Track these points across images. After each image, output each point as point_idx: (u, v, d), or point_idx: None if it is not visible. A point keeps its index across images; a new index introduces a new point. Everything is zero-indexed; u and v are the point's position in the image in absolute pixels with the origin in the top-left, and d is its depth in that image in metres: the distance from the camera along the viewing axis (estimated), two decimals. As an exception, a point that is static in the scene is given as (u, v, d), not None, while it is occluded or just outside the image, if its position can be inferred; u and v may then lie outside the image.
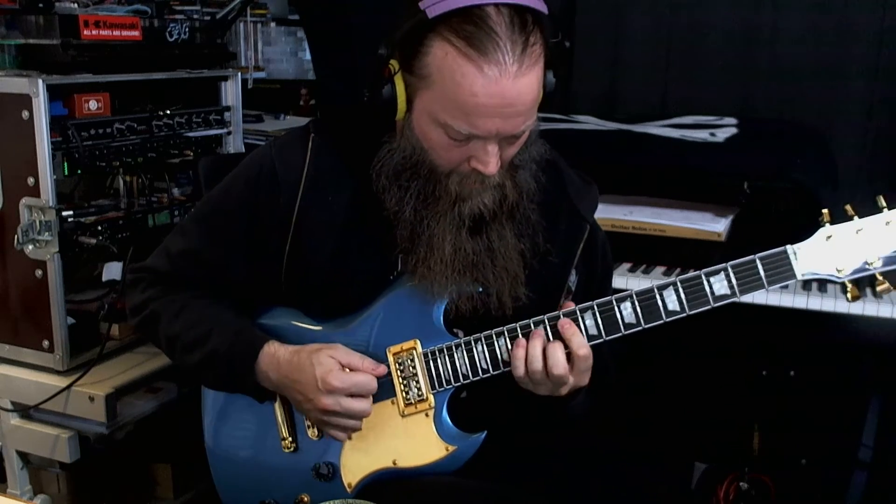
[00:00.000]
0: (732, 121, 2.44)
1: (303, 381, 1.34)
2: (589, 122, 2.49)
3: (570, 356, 1.29)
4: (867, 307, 1.82)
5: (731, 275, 1.27)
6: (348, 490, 1.40)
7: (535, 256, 1.40)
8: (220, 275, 1.46)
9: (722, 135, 2.34)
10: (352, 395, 1.33)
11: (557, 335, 1.30)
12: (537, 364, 1.29)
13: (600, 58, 2.71)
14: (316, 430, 1.42)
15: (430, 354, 1.37)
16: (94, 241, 1.96)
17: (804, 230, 1.98)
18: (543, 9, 1.24)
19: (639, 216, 2.22)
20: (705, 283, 1.27)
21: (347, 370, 1.33)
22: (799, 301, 1.87)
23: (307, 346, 1.37)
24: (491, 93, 1.19)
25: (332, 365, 1.33)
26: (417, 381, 1.37)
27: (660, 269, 2.14)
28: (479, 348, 1.34)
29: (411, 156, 1.32)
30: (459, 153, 1.28)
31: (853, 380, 2.25)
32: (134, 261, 1.92)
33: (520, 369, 1.30)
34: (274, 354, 1.37)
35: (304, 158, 1.41)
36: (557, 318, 1.31)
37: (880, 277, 1.26)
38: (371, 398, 1.35)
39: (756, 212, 2.21)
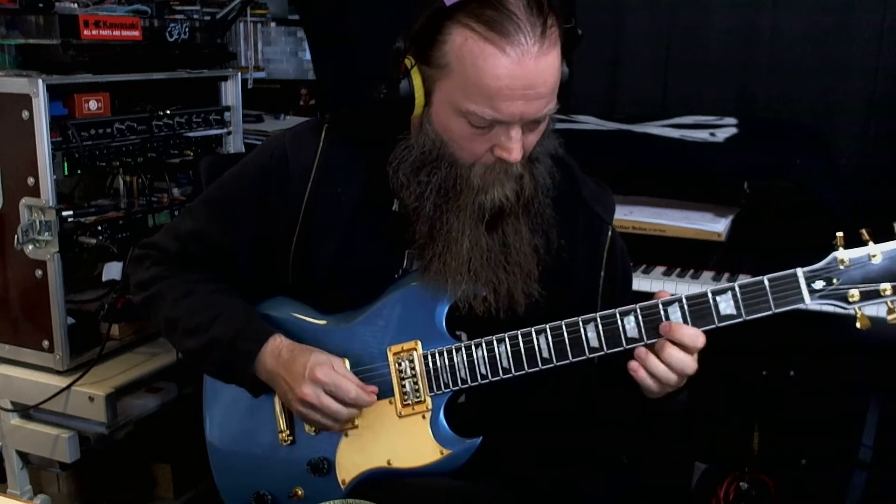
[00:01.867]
0: (732, 121, 2.44)
1: (293, 370, 1.33)
2: (589, 122, 2.49)
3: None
4: (867, 311, 1.82)
5: (738, 295, 1.24)
6: (342, 486, 1.40)
7: (548, 252, 1.39)
8: (226, 258, 1.46)
9: (722, 135, 2.34)
10: (332, 396, 1.32)
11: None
12: (673, 377, 1.27)
13: (600, 58, 2.71)
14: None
15: (429, 356, 1.36)
16: (94, 241, 1.96)
17: (804, 230, 1.99)
18: None
19: (639, 216, 2.22)
20: (711, 301, 1.25)
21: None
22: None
23: (312, 347, 1.37)
24: (514, 74, 1.19)
25: (324, 361, 1.33)
26: (416, 383, 1.37)
27: (660, 269, 2.14)
28: (479, 353, 1.34)
29: (431, 150, 1.31)
30: (482, 142, 1.27)
31: (853, 380, 2.25)
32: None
33: (654, 388, 1.28)
34: (278, 347, 1.36)
35: (317, 149, 1.41)
36: (560, 327, 1.30)
37: (891, 305, 1.22)
38: (349, 408, 1.34)
39: (756, 212, 2.21)
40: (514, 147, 1.26)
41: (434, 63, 1.25)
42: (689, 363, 1.26)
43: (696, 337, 1.25)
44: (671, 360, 1.25)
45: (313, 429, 1.42)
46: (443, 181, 1.31)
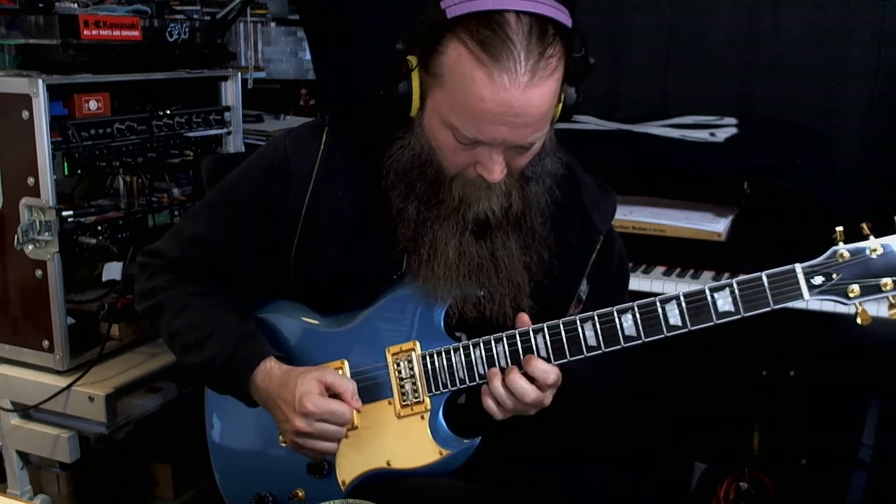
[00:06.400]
0: (732, 121, 2.44)
1: (285, 399, 1.33)
2: (589, 122, 2.49)
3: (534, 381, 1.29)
4: (867, 308, 1.82)
5: (736, 291, 1.22)
6: (342, 487, 1.41)
7: (540, 270, 1.39)
8: (229, 262, 1.46)
9: (722, 135, 2.34)
10: (327, 422, 1.32)
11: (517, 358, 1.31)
12: (509, 402, 1.29)
13: (600, 58, 2.70)
14: None
15: (428, 357, 1.36)
16: (94, 241, 1.96)
17: (804, 230, 1.99)
18: (567, 22, 1.22)
19: (639, 216, 2.22)
20: (709, 298, 1.24)
21: (328, 394, 1.33)
22: (799, 301, 1.88)
23: (300, 367, 1.37)
24: (499, 100, 1.18)
25: (312, 388, 1.32)
26: (415, 383, 1.37)
27: (660, 269, 2.15)
28: (477, 353, 1.34)
29: (420, 154, 1.31)
30: (466, 157, 1.27)
31: (853, 380, 2.25)
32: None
33: (498, 415, 1.32)
34: (269, 372, 1.36)
35: (318, 152, 1.41)
36: (557, 326, 1.30)
37: (892, 300, 1.20)
38: (345, 429, 1.34)
39: (756, 212, 2.22)
40: (495, 168, 1.25)
41: (431, 71, 1.25)
42: (528, 392, 1.28)
43: (546, 372, 1.28)
44: (513, 386, 1.28)
45: None
46: (428, 187, 1.32)
